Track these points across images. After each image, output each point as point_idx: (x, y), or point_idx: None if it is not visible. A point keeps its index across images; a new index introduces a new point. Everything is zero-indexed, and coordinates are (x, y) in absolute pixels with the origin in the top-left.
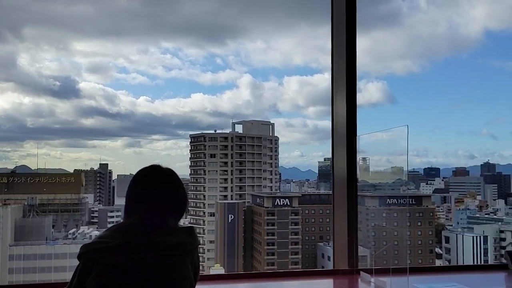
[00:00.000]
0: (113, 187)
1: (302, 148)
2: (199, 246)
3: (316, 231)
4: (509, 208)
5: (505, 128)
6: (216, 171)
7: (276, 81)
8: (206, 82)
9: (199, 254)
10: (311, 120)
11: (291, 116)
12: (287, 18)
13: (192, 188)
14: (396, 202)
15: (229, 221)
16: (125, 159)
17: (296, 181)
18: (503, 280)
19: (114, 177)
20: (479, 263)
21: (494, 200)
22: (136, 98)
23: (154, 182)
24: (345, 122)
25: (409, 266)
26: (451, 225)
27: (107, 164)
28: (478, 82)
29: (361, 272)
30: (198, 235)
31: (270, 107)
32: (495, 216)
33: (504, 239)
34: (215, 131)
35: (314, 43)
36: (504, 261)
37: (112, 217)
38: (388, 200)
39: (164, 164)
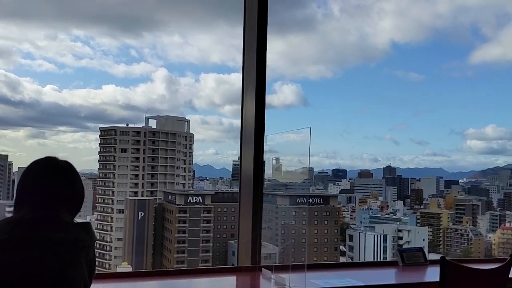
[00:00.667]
0: (13, 180)
1: (217, 146)
2: (96, 242)
3: (228, 229)
4: (407, 209)
5: (406, 135)
6: (127, 166)
7: (192, 77)
8: (119, 73)
9: (106, 252)
10: (227, 118)
11: (207, 113)
12: (205, 15)
13: (100, 184)
14: (306, 201)
15: (139, 218)
16: (27, 150)
17: (210, 179)
18: (393, 275)
19: (15, 169)
20: (379, 260)
21: (394, 201)
22: (42, 86)
23: (48, 174)
24: (254, 122)
25: (312, 263)
26: (355, 224)
27: (7, 155)
28: (383, 90)
29: (263, 269)
30: (105, 232)
31: (185, 103)
32: (394, 216)
33: (401, 238)
34: (127, 125)
35: (232, 42)
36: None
37: (11, 212)
38: (298, 199)
39: (71, 157)
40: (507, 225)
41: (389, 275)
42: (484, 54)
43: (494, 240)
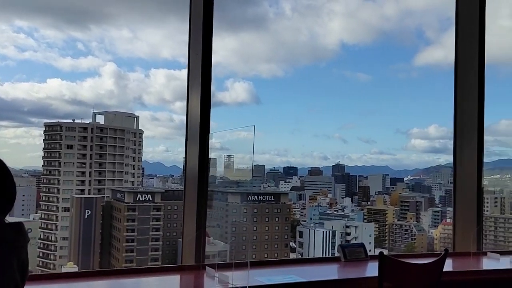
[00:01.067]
0: None
1: (168, 143)
2: (40, 242)
3: (178, 227)
4: (355, 205)
5: (354, 134)
6: (73, 163)
7: (142, 73)
8: (65, 67)
9: (50, 251)
10: (177, 115)
11: (157, 109)
12: (156, 10)
13: (45, 181)
14: (257, 199)
15: (86, 216)
16: None
17: (160, 176)
18: (335, 271)
19: None
20: (327, 255)
21: (342, 198)
22: None
23: None
24: (199, 119)
25: (256, 260)
26: (305, 221)
27: None
28: (332, 89)
29: (207, 267)
30: (50, 231)
31: (135, 99)
32: (342, 213)
33: (349, 234)
34: (74, 120)
35: (183, 38)
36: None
37: None
38: (249, 196)
39: (14, 154)
40: (448, 220)
41: (331, 271)
42: (428, 57)
43: (436, 235)
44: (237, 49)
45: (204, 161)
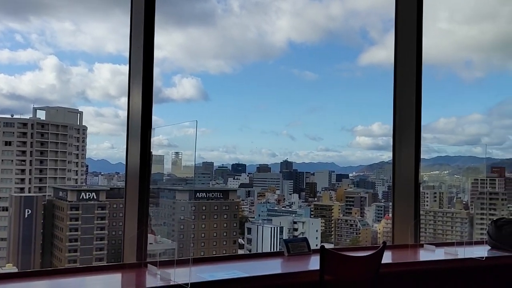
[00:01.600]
0: None
1: (113, 140)
2: None
3: None
4: (302, 201)
5: (301, 131)
6: (12, 160)
7: (86, 67)
8: (2, 60)
9: None
10: (123, 111)
11: (101, 105)
12: (100, 2)
13: None
14: (205, 196)
15: (26, 216)
16: None
17: (105, 174)
18: (279, 265)
19: None
20: (275, 251)
21: (290, 194)
22: None
23: None
24: (140, 114)
25: (199, 257)
26: (253, 217)
27: None
28: (280, 87)
29: (149, 265)
30: None
31: (78, 94)
32: (290, 209)
33: (296, 229)
34: (12, 115)
35: (128, 32)
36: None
37: None
38: (197, 194)
39: None
40: (390, 215)
41: (275, 265)
42: (372, 57)
43: (379, 229)
44: (184, 45)
45: (146, 157)
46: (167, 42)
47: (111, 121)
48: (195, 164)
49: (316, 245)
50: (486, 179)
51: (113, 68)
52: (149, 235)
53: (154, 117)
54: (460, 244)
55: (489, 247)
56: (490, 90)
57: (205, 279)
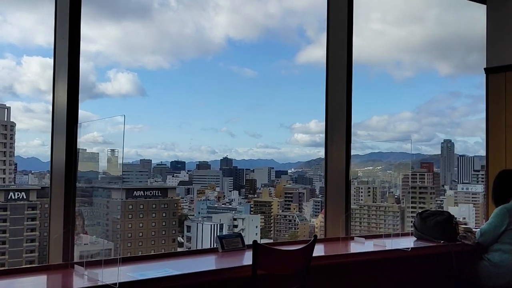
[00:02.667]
0: None
1: (44, 137)
2: None
3: None
4: (242, 198)
5: (241, 128)
6: None
7: (13, 60)
8: None
9: None
10: None
11: (31, 100)
12: None
13: None
14: (143, 194)
15: None
16: None
17: (35, 172)
18: (213, 261)
19: None
20: (209, 248)
21: (230, 191)
22: None
23: None
24: (66, 109)
25: (128, 256)
26: (193, 215)
27: None
28: (219, 83)
29: (75, 266)
30: None
31: (5, 88)
32: (230, 206)
33: (236, 226)
34: None
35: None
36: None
37: None
38: (135, 192)
39: None
40: None
41: (209, 262)
42: (309, 55)
43: (317, 223)
44: (120, 39)
45: (72, 154)
46: (101, 36)
47: (42, 117)
48: (123, 161)
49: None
50: (416, 174)
51: (43, 61)
52: (83, 235)
53: (87, 113)
54: (388, 236)
55: (415, 238)
56: (418, 89)
57: (134, 278)
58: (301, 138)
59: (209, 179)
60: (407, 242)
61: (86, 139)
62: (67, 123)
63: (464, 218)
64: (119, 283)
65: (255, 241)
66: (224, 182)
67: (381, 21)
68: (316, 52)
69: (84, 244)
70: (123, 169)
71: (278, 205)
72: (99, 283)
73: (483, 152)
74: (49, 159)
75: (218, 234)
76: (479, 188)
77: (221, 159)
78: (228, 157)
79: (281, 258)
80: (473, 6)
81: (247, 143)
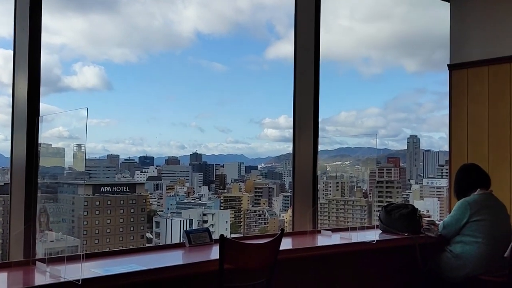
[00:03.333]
0: None
1: (7, 131)
2: None
3: None
4: (212, 193)
5: (211, 122)
6: None
7: None
8: None
9: None
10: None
11: None
12: None
13: None
14: (111, 190)
15: None
16: None
17: None
18: (180, 256)
19: None
20: (176, 243)
21: (200, 186)
22: None
23: None
24: (26, 102)
25: (93, 252)
26: (162, 211)
27: None
28: (189, 78)
29: (37, 262)
30: None
31: None
32: (200, 201)
33: (206, 221)
34: None
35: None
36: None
37: None
38: (102, 188)
39: None
40: None
41: (175, 257)
42: (278, 50)
43: (286, 218)
44: (85, 31)
45: (33, 148)
46: (66, 28)
47: (4, 111)
48: (85, 155)
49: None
50: (383, 169)
51: (5, 53)
52: (48, 232)
53: (52, 107)
54: (354, 229)
55: (380, 231)
56: (385, 86)
57: (98, 274)
58: (270, 133)
59: (179, 174)
60: (373, 235)
61: (51, 134)
62: (27, 117)
63: (428, 211)
64: (83, 279)
65: (222, 235)
66: (193, 177)
67: (349, 18)
68: (285, 48)
69: (50, 241)
70: (90, 164)
71: (248, 200)
72: (62, 280)
73: (447, 147)
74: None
75: (185, 230)
76: (444, 182)
77: (190, 154)
78: (198, 152)
79: (248, 252)
80: (437, 4)
81: (217, 138)
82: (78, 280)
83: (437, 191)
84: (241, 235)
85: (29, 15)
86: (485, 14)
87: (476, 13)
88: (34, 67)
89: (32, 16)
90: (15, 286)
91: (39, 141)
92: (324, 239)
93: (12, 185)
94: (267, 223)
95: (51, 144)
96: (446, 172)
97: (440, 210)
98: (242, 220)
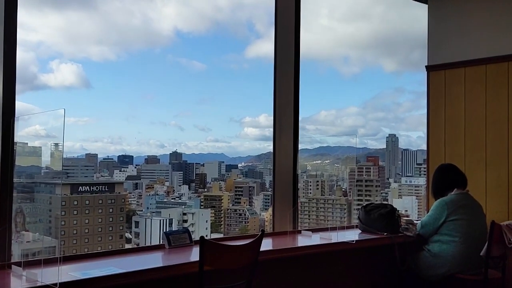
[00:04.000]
0: None
1: None
2: None
3: None
4: (192, 192)
5: (190, 121)
6: None
7: None
8: None
9: None
10: None
11: None
12: None
13: None
14: (89, 190)
15: None
16: None
17: None
18: (160, 258)
19: None
20: (156, 244)
21: (180, 185)
22: None
23: None
24: (1, 102)
25: (70, 255)
26: (141, 210)
27: None
28: (168, 76)
29: (13, 266)
30: None
31: None
32: (180, 200)
33: (186, 221)
34: None
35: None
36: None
37: None
38: (80, 187)
39: None
40: None
41: (155, 259)
42: (258, 49)
43: (267, 217)
44: (63, 28)
45: (8, 148)
46: (43, 25)
47: None
48: (63, 155)
49: (206, 236)
50: (363, 168)
51: None
52: (24, 233)
53: (29, 105)
54: (333, 229)
55: (360, 231)
56: (365, 85)
57: (76, 277)
58: (251, 132)
59: (158, 173)
60: (352, 235)
61: (27, 133)
62: (2, 116)
63: (406, 210)
64: (60, 283)
65: (202, 237)
66: (173, 176)
67: (329, 17)
68: (265, 46)
69: (26, 242)
70: (68, 163)
71: (229, 199)
72: (39, 284)
73: (425, 146)
74: None
75: (165, 231)
76: (422, 181)
77: (170, 153)
78: (178, 151)
79: (228, 254)
80: (415, 5)
81: (197, 137)
82: (56, 284)
83: (415, 190)
84: (222, 235)
85: (4, 11)
86: (463, 17)
87: (454, 16)
88: (9, 64)
89: (7, 12)
90: None
91: (15, 140)
92: (305, 240)
93: None
94: (248, 222)
95: (27, 143)
96: (424, 171)
97: (418, 208)
98: (222, 219)
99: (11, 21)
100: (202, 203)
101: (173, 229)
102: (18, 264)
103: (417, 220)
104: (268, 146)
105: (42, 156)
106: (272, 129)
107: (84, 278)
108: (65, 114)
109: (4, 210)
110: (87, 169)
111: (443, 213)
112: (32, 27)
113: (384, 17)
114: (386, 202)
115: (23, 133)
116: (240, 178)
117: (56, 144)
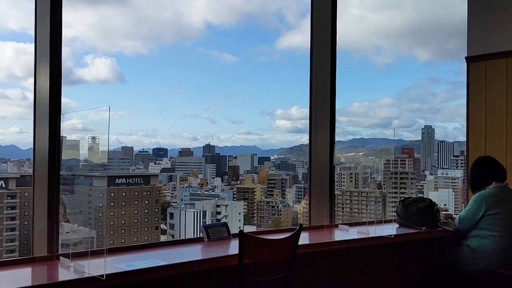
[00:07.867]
0: None
1: (22, 124)
2: None
3: None
4: (225, 185)
5: (222, 114)
6: None
7: None
8: None
9: None
10: (31, 93)
11: (6, 86)
12: None
13: None
14: (125, 182)
15: None
16: None
17: (14, 160)
18: (199, 251)
19: None
20: (198, 236)
21: (213, 178)
22: None
23: None
24: (48, 97)
25: (115, 246)
26: (176, 202)
27: None
28: (199, 69)
29: (61, 257)
30: None
31: None
32: (213, 193)
33: (219, 213)
34: None
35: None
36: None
37: None
38: (117, 180)
39: None
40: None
41: (195, 252)
42: (289, 41)
43: (300, 210)
44: (96, 24)
45: (56, 143)
46: (77, 21)
47: (18, 104)
48: (108, 150)
49: (239, 228)
50: (397, 160)
51: (17, 46)
52: (64, 224)
53: (66, 99)
54: (371, 223)
55: (398, 225)
56: (398, 75)
57: (122, 269)
58: (282, 125)
59: (192, 166)
60: (390, 229)
61: (65, 126)
62: (49, 112)
63: (445, 204)
64: (106, 274)
65: (241, 231)
66: (206, 169)
67: (360, 7)
68: (296, 38)
69: (66, 232)
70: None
71: (261, 191)
72: (86, 275)
73: (462, 138)
74: (29, 147)
75: (203, 224)
76: (459, 173)
77: (203, 146)
78: (211, 143)
79: (267, 248)
80: None
81: (229, 129)
82: (102, 276)
83: (452, 182)
84: (255, 227)
85: (50, 12)
86: (505, 7)
87: (496, 5)
88: (55, 65)
89: (53, 12)
90: (40, 282)
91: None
92: (342, 234)
93: (35, 180)
94: (281, 214)
95: (66, 137)
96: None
97: (455, 201)
98: (255, 211)
99: (57, 21)
100: (235, 195)
101: (207, 221)
102: (66, 255)
103: (455, 214)
104: (301, 139)
105: (80, 149)
106: (304, 121)
107: (129, 270)
108: (102, 109)
109: (52, 204)
110: (123, 162)
111: (481, 207)
112: (66, 22)
113: (417, 5)
114: (424, 196)
115: (62, 126)
116: (272, 170)
117: (94, 137)
